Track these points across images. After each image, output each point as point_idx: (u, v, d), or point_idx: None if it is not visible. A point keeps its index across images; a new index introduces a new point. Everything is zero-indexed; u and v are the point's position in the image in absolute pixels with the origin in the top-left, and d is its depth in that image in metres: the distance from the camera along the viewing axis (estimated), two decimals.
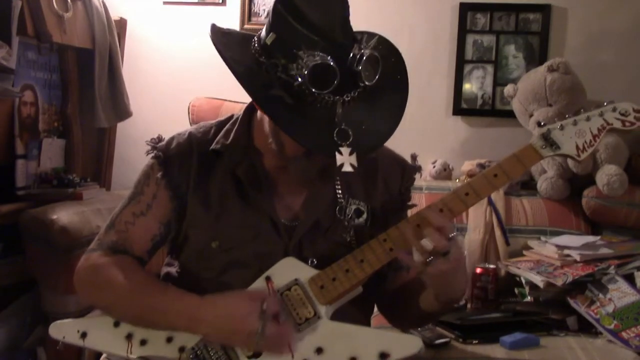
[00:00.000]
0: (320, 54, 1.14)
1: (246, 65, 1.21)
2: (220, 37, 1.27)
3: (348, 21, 1.21)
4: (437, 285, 1.24)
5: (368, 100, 1.21)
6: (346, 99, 1.18)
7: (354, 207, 1.34)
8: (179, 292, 1.25)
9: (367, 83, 1.18)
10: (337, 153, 1.13)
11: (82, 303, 1.81)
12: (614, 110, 1.28)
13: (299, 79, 1.14)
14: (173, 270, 1.40)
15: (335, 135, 1.15)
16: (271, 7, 1.21)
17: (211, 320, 1.19)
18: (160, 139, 1.40)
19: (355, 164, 1.14)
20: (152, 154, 1.37)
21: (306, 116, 1.17)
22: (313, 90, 1.14)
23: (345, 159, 1.13)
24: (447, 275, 1.19)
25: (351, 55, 1.17)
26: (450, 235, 1.17)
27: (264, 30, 1.23)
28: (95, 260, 1.32)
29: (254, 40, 1.24)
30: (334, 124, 1.15)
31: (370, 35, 1.26)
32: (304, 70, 1.13)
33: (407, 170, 1.44)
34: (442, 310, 1.32)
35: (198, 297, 1.22)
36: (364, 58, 1.17)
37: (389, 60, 1.24)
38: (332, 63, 1.14)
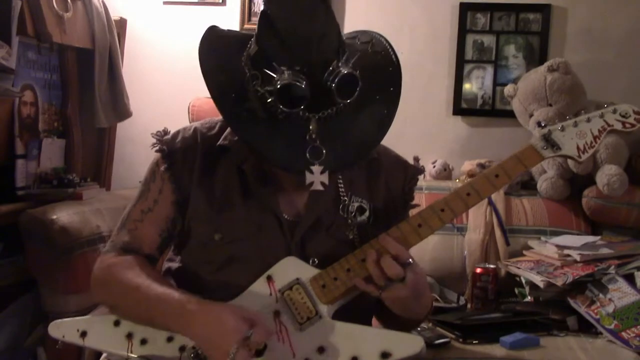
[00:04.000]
0: (290, 72, 1.14)
1: (229, 73, 1.22)
2: (213, 42, 1.28)
3: (329, 35, 1.20)
4: (395, 308, 1.23)
5: (355, 111, 1.21)
6: (322, 115, 1.18)
7: (356, 204, 1.34)
8: (182, 294, 1.23)
9: (340, 101, 1.18)
10: (307, 172, 1.14)
11: (95, 303, 1.80)
12: (615, 112, 1.29)
13: (271, 96, 1.15)
14: (174, 265, 1.40)
15: (307, 153, 1.16)
16: None
17: (199, 327, 1.16)
18: (166, 132, 1.39)
19: (327, 182, 1.15)
20: (157, 147, 1.37)
21: (278, 132, 1.17)
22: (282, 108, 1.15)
23: (316, 178, 1.15)
24: (405, 300, 1.20)
25: (327, 72, 1.17)
26: (407, 261, 1.18)
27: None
28: (108, 261, 1.33)
29: (248, 46, 1.25)
30: (307, 141, 1.16)
31: (366, 33, 1.26)
32: (274, 88, 1.14)
33: (410, 171, 1.44)
34: (411, 323, 1.35)
35: (198, 301, 1.20)
36: (338, 77, 1.16)
37: (385, 70, 1.23)
38: (301, 83, 1.14)
